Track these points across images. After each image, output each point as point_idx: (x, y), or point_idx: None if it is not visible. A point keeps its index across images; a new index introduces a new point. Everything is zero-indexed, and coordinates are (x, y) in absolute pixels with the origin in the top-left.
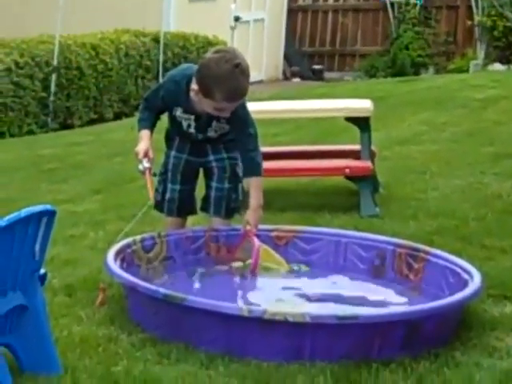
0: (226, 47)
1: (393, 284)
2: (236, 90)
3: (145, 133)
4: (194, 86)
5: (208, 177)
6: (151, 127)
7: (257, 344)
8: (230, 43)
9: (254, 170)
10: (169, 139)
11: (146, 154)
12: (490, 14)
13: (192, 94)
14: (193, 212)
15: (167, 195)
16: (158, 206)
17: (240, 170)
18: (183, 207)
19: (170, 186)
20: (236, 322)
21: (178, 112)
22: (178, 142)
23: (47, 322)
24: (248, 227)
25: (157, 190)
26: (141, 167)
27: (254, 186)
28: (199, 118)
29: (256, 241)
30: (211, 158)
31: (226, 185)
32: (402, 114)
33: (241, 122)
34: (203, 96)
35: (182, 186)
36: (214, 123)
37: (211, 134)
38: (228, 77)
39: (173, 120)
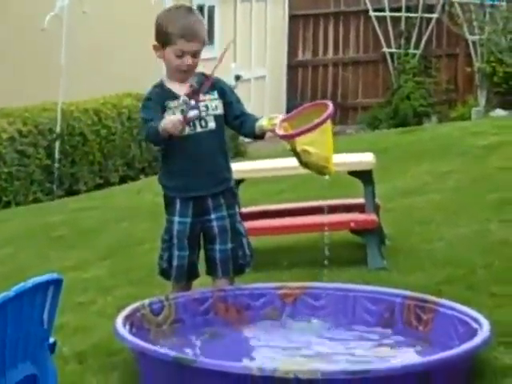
0: None
1: (402, 336)
2: (190, 27)
3: None
4: (153, 44)
5: (209, 240)
6: None
7: None
8: None
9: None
10: (169, 204)
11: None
12: (489, 61)
13: (156, 55)
14: (197, 276)
15: (175, 262)
16: (165, 273)
17: (240, 226)
18: (191, 273)
19: (177, 253)
20: (247, 382)
21: (169, 105)
22: (179, 205)
23: None
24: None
25: (161, 258)
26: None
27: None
28: (187, 96)
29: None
30: (212, 216)
31: (229, 245)
32: (406, 165)
33: (230, 95)
34: (163, 46)
35: (190, 252)
36: (201, 96)
37: (205, 112)
38: (181, 16)
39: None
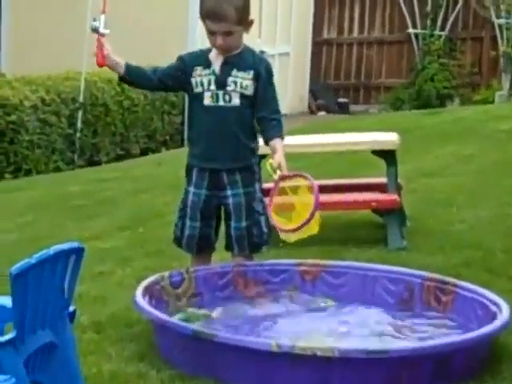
0: None
1: (421, 317)
2: (215, 9)
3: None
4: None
5: (226, 216)
6: (133, 65)
7: (286, 379)
8: None
9: (277, 131)
10: (187, 174)
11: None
12: None
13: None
14: (212, 249)
15: (186, 232)
16: (177, 240)
17: (257, 204)
18: (202, 244)
19: (189, 222)
20: (265, 358)
21: (198, 71)
22: (195, 176)
23: (76, 360)
24: (279, 172)
25: (176, 225)
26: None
27: (279, 148)
28: (218, 70)
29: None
30: (228, 192)
31: (244, 223)
32: (428, 147)
33: (264, 81)
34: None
35: (201, 223)
36: (234, 71)
37: (231, 87)
38: None
39: (193, 97)
